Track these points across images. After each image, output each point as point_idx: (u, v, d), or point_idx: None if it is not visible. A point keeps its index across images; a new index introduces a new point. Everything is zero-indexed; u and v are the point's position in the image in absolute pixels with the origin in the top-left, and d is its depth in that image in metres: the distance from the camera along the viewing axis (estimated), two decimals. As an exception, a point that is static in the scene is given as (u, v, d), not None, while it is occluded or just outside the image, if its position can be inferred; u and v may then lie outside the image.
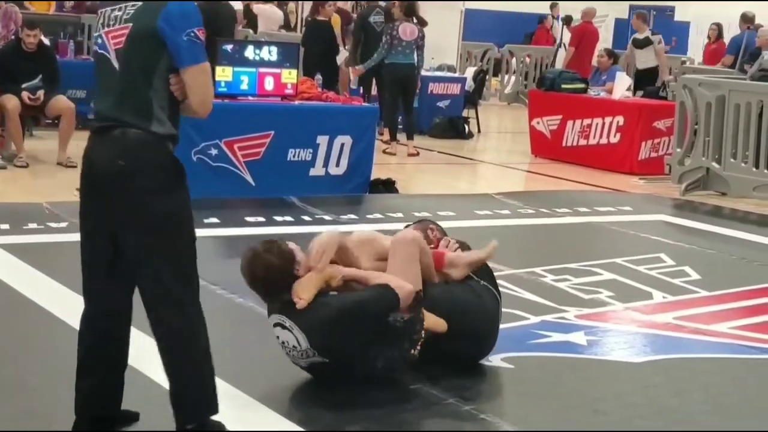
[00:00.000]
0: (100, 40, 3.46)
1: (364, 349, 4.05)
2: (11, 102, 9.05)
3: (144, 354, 4.04)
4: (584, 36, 15.32)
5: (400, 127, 11.89)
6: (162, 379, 3.62)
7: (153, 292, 3.43)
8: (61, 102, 9.34)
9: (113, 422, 3.65)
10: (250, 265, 4.12)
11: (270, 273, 4.05)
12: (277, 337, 4.18)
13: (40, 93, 9.21)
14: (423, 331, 4.14)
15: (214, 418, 3.56)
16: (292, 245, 4.14)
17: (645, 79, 13.56)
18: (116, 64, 3.39)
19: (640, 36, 13.92)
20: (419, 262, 4.25)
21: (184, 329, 3.45)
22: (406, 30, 11.57)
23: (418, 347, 4.15)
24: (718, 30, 16.57)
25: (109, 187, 3.36)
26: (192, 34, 3.35)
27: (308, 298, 3.99)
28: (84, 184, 3.47)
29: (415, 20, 11.82)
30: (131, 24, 3.37)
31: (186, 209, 3.48)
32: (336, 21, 13.07)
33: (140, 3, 3.39)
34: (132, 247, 3.41)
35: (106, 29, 3.44)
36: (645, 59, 13.83)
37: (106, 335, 3.57)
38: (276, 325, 4.16)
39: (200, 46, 3.39)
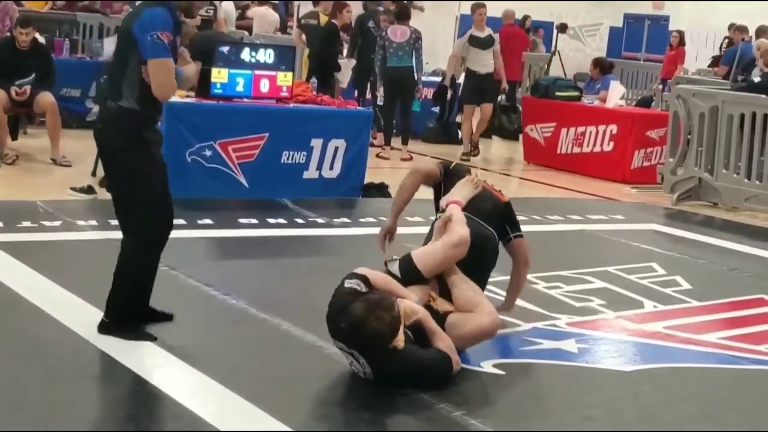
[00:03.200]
0: None
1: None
2: None
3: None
4: (511, 39, 14.56)
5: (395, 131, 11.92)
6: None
7: (120, 222, 4.65)
8: (45, 99, 9.24)
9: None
10: (356, 325, 4.16)
11: (375, 341, 4.16)
12: (341, 349, 4.33)
13: (27, 88, 9.16)
14: None
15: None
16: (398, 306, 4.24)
17: (492, 86, 12.15)
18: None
19: (481, 34, 11.91)
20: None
21: (127, 253, 4.57)
22: (396, 32, 11.62)
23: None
24: (680, 37, 16.67)
25: (96, 142, 4.66)
26: (155, 36, 4.34)
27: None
28: None
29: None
30: (121, 24, 4.63)
31: (141, 167, 4.48)
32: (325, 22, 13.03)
33: (131, 9, 4.59)
34: (109, 186, 4.75)
35: None
36: (489, 62, 11.96)
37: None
38: (344, 351, 4.31)
39: (161, 46, 4.35)
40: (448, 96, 12.88)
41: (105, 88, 4.59)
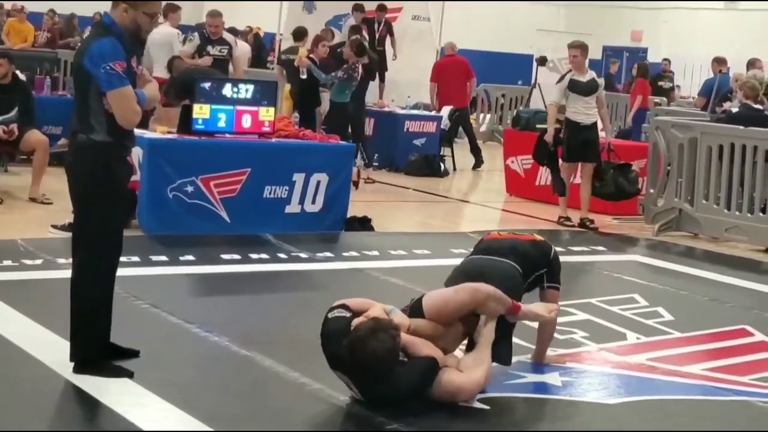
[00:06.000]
0: None
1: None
2: None
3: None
4: (442, 71, 14.89)
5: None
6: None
7: (72, 246, 4.66)
8: (35, 136, 9.30)
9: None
10: (356, 344, 4.30)
11: (372, 363, 4.28)
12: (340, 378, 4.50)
13: (14, 126, 9.16)
14: None
15: None
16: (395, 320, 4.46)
17: (590, 144, 10.11)
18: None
19: (582, 78, 10.14)
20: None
21: (75, 280, 4.60)
22: (362, 71, 12.11)
23: None
24: (638, 69, 16.93)
25: (67, 173, 4.65)
26: (107, 67, 4.39)
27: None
28: None
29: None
30: (74, 60, 4.70)
31: (104, 202, 4.52)
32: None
33: (81, 43, 4.80)
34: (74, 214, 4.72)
35: None
36: (588, 110, 10.12)
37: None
38: (339, 377, 4.48)
39: (116, 76, 4.40)
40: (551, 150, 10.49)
41: (74, 122, 4.60)
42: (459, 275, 4.93)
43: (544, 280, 5.10)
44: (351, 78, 11.94)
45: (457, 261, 7.85)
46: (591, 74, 10.24)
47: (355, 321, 4.40)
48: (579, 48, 10.20)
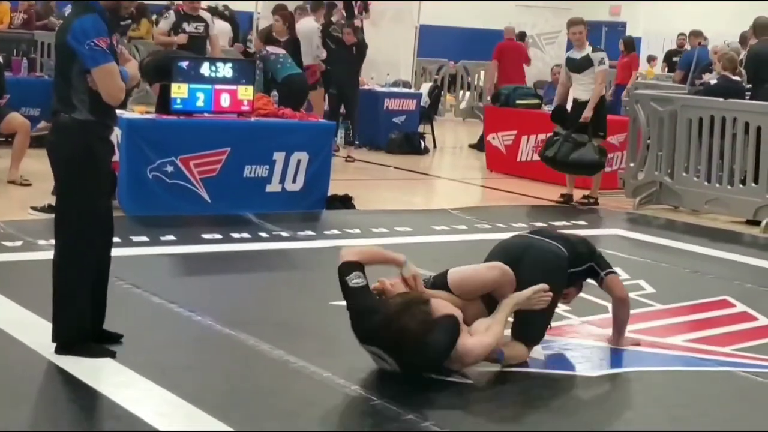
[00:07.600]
0: None
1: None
2: None
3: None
4: (503, 52, 15.24)
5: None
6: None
7: (54, 230, 4.63)
8: (17, 119, 9.26)
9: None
10: (389, 320, 4.38)
11: (404, 336, 4.35)
12: (371, 352, 4.56)
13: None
14: None
15: None
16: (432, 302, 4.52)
17: (573, 122, 9.85)
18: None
19: (577, 54, 9.98)
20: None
21: (58, 261, 4.59)
22: (274, 49, 11.69)
23: None
24: (624, 44, 16.81)
25: (48, 154, 4.60)
26: (92, 44, 4.37)
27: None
28: None
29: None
30: (56, 39, 4.66)
31: (85, 183, 4.49)
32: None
33: (61, 22, 4.72)
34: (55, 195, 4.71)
35: None
36: (585, 87, 9.91)
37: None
38: (370, 352, 4.54)
39: (100, 52, 4.38)
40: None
41: (55, 102, 4.56)
42: (502, 247, 5.06)
43: (599, 272, 5.17)
44: (266, 59, 11.57)
45: (438, 238, 7.99)
46: (587, 50, 9.93)
47: (388, 289, 4.52)
48: (582, 24, 10.06)
